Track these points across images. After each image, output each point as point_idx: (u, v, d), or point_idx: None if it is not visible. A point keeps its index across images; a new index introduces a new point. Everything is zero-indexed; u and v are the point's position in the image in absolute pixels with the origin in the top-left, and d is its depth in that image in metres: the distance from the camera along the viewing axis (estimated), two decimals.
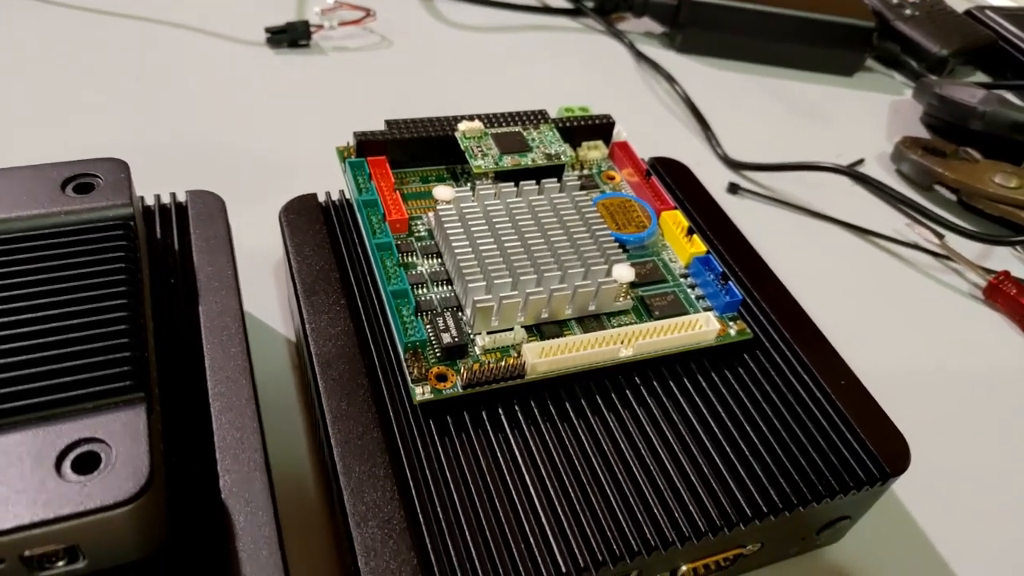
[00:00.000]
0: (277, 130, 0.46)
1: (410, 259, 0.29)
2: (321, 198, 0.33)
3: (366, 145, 0.32)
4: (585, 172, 0.36)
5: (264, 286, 0.37)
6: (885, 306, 0.43)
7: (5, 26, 0.51)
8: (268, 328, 0.35)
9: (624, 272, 0.28)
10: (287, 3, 0.57)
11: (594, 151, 0.36)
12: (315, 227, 0.31)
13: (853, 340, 0.33)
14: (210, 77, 0.49)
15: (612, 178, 0.36)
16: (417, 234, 0.31)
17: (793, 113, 0.57)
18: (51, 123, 0.44)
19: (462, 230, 0.29)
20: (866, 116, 0.58)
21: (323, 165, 0.37)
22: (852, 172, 0.49)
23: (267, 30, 0.53)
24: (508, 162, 0.32)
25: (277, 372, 0.34)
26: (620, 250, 0.30)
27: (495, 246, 0.28)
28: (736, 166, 0.50)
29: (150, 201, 0.30)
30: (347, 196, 0.33)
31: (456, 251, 0.28)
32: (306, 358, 0.27)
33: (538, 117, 0.35)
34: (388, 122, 0.33)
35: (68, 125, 0.44)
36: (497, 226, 0.29)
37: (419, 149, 0.33)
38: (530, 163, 0.32)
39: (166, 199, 0.31)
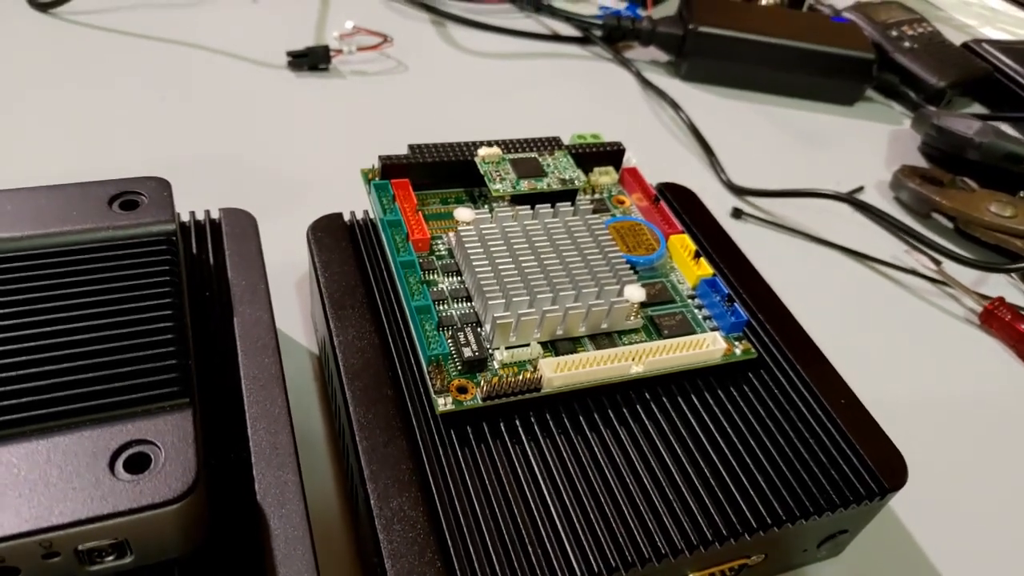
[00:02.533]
0: (298, 150, 0.48)
1: (432, 277, 0.31)
2: (346, 217, 0.35)
3: (390, 168, 0.34)
4: (597, 196, 0.37)
5: (287, 300, 0.39)
6: (883, 330, 0.44)
7: (38, 47, 0.53)
8: (291, 340, 0.37)
9: (635, 292, 0.30)
10: (307, 28, 0.60)
11: (605, 176, 0.38)
12: (341, 245, 0.33)
13: (852, 362, 0.35)
14: (234, 98, 0.51)
15: (622, 202, 0.38)
16: (438, 253, 0.32)
17: (795, 140, 0.59)
18: (83, 141, 0.46)
19: (482, 250, 0.30)
20: (866, 144, 0.60)
21: (343, 184, 0.39)
22: (852, 199, 0.51)
23: (289, 54, 0.55)
24: (525, 186, 0.34)
25: (300, 383, 0.35)
26: (631, 271, 0.31)
27: (513, 266, 0.30)
28: (739, 191, 0.51)
29: (185, 218, 0.32)
30: (371, 216, 0.35)
31: (476, 269, 0.29)
32: (332, 369, 0.29)
33: (552, 144, 0.37)
34: (411, 146, 0.35)
35: (99, 143, 0.46)
36: (515, 247, 0.31)
37: (440, 173, 0.35)
38: (546, 187, 0.34)
39: (200, 216, 0.32)
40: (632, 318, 0.30)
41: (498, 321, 0.28)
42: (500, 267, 0.30)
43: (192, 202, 0.42)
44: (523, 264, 0.30)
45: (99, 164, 0.44)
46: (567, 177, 0.35)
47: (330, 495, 0.31)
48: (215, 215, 0.32)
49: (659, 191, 0.39)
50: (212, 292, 0.29)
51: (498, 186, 0.33)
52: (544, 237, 0.31)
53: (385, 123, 0.52)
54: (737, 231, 0.49)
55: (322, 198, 0.39)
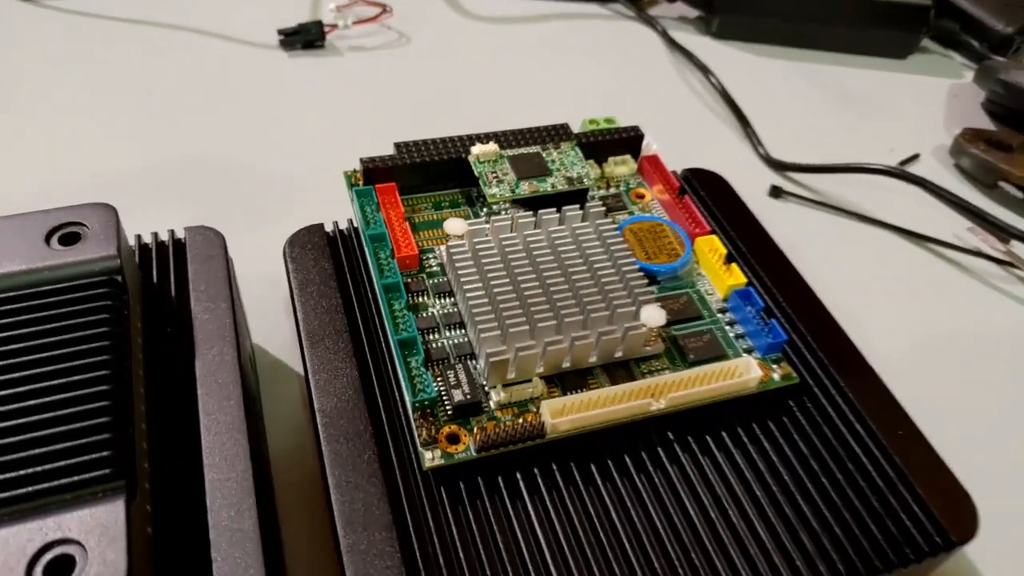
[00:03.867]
0: (292, 143, 0.44)
1: (421, 299, 0.27)
2: (329, 227, 0.31)
3: (374, 172, 0.30)
4: (612, 191, 0.33)
5: (277, 318, 0.35)
6: (945, 321, 0.39)
7: (3, 32, 0.50)
8: (279, 363, 0.34)
9: (654, 315, 0.26)
10: (301, 3, 0.55)
11: (621, 167, 0.33)
12: (321, 263, 0.29)
13: (909, 364, 0.30)
14: (222, 86, 0.48)
15: (642, 196, 0.33)
16: (429, 269, 0.28)
17: (841, 103, 0.53)
18: (59, 138, 0.43)
19: (474, 269, 0.26)
20: (921, 104, 0.54)
21: (340, 178, 0.35)
22: (906, 173, 0.45)
23: (280, 32, 0.50)
24: (526, 188, 0.29)
25: (291, 413, 0.32)
26: (649, 287, 0.27)
27: (511, 288, 0.26)
28: (779, 167, 0.46)
29: (147, 238, 0.29)
30: (357, 224, 0.31)
31: (468, 295, 0.26)
32: (309, 409, 0.26)
33: (559, 133, 0.32)
34: (398, 145, 0.31)
35: (75, 139, 0.43)
36: (513, 264, 0.27)
37: (431, 173, 0.31)
38: (549, 189, 0.30)
39: (164, 235, 0.29)
40: (651, 345, 0.26)
41: (492, 359, 0.24)
42: (496, 290, 0.26)
43: (172, 210, 0.39)
44: (522, 286, 0.26)
45: (71, 169, 0.41)
46: (575, 175, 0.30)
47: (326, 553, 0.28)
48: (182, 234, 0.29)
49: (684, 180, 0.35)
50: (174, 328, 0.26)
51: (495, 190, 0.29)
52: (547, 250, 0.27)
53: (385, 105, 0.48)
54: (776, 213, 0.44)
55: (317, 198, 0.35)
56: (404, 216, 0.29)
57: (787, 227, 0.41)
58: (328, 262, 0.29)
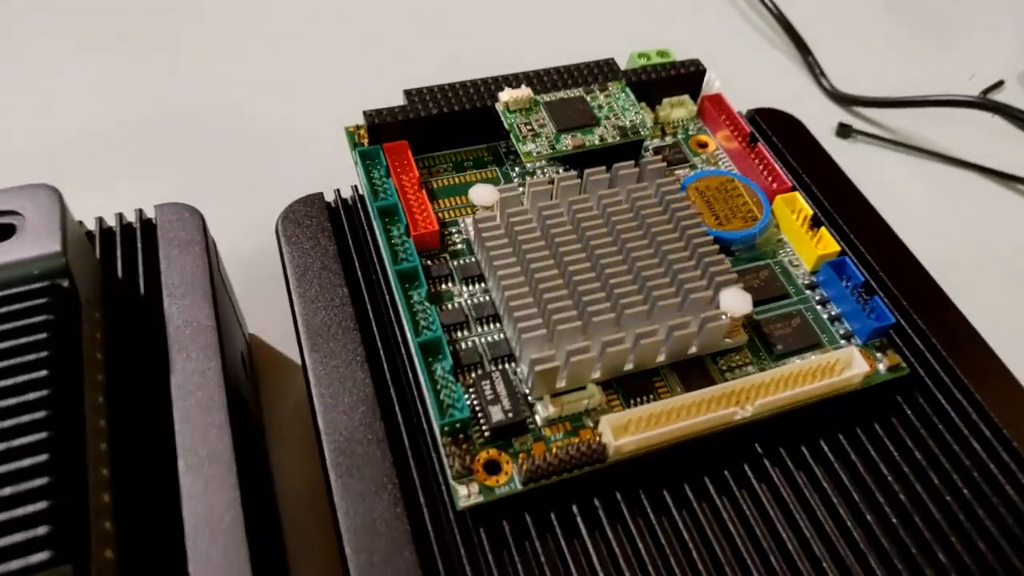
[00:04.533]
0: (288, 89, 0.39)
1: (445, 286, 0.22)
2: (331, 196, 0.26)
3: (381, 128, 0.25)
4: (668, 140, 0.27)
5: (275, 298, 0.30)
6: None
7: None
8: (281, 358, 0.29)
9: (737, 301, 0.21)
10: None
11: (679, 109, 0.28)
12: (321, 243, 0.24)
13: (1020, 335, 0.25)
14: (201, 27, 0.42)
15: (704, 145, 0.27)
16: (453, 247, 0.23)
17: (913, 24, 0.46)
18: (3, 94, 0.37)
19: (509, 249, 0.21)
20: (1004, 22, 0.47)
21: (343, 133, 0.30)
22: (991, 104, 0.39)
23: None
24: (568, 143, 0.24)
25: (292, 409, 0.28)
26: (728, 266, 0.22)
27: (555, 271, 0.21)
28: (845, 101, 0.40)
29: (111, 221, 0.24)
30: (363, 192, 0.26)
31: (503, 282, 0.21)
32: (314, 431, 0.21)
33: (604, 71, 0.26)
34: (408, 93, 0.25)
35: (25, 96, 0.37)
36: (557, 240, 0.21)
37: (450, 127, 0.25)
38: (597, 142, 0.24)
39: (131, 215, 0.24)
40: (732, 336, 0.21)
41: (537, 367, 0.19)
42: (537, 275, 0.21)
43: (146, 179, 0.34)
44: (570, 268, 0.21)
45: (19, 135, 0.36)
46: (627, 123, 0.25)
47: None
48: (152, 213, 0.24)
49: (751, 122, 0.29)
50: (146, 332, 0.21)
51: (530, 147, 0.24)
52: (599, 220, 0.22)
53: (394, 41, 0.41)
54: (845, 154, 0.38)
55: (318, 157, 0.30)
56: (420, 182, 0.24)
57: (858, 171, 0.35)
58: (330, 241, 0.24)
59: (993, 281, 0.33)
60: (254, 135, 0.36)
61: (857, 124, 0.39)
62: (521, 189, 0.23)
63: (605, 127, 0.24)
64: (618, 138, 0.24)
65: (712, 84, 0.28)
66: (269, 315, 0.29)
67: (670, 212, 0.23)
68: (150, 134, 0.36)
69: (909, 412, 0.22)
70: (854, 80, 0.41)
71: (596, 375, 0.20)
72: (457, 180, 0.25)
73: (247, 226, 0.31)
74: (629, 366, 0.20)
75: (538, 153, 0.23)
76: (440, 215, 0.24)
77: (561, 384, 0.20)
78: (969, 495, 0.20)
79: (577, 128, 0.24)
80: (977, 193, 0.37)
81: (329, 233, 0.24)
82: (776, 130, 0.28)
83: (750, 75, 0.41)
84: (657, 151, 0.26)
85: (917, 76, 0.42)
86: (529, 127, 0.24)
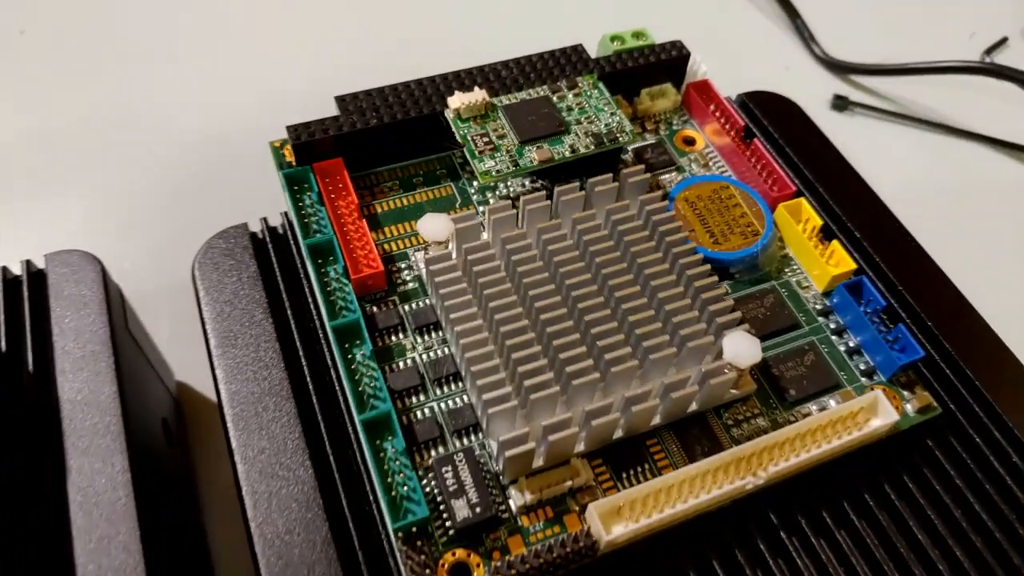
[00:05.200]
0: (212, 94, 0.34)
1: (394, 339, 0.19)
2: (257, 225, 0.22)
3: (309, 146, 0.21)
4: (649, 138, 0.24)
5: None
6: None
7: None
8: (211, 404, 0.25)
9: (744, 349, 0.17)
10: None
11: (660, 100, 0.24)
12: (247, 290, 0.20)
13: None
14: (115, 22, 0.37)
15: (691, 142, 0.24)
16: (403, 288, 0.20)
17: None
18: None
19: (469, 296, 0.18)
20: None
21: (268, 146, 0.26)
22: (996, 68, 0.35)
23: None
24: (534, 157, 0.20)
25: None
26: (729, 303, 0.18)
27: (526, 321, 0.17)
28: (840, 69, 0.36)
29: None
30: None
31: (463, 340, 0.17)
32: (245, 529, 0.17)
33: (572, 60, 0.22)
34: (341, 100, 0.21)
35: None
36: (525, 282, 0.18)
37: (393, 138, 0.21)
38: (568, 154, 0.20)
39: (16, 267, 0.20)
40: (740, 387, 0.18)
41: (508, 453, 0.16)
42: (503, 329, 0.17)
43: (45, 209, 0.29)
44: (543, 318, 0.17)
45: None
46: (602, 127, 0.21)
47: None
48: (42, 263, 0.20)
49: (741, 108, 0.25)
50: (37, 415, 0.17)
51: (488, 164, 0.20)
52: (574, 253, 0.18)
53: (322, 35, 0.37)
54: (843, 129, 0.34)
55: (258, 165, 0.26)
56: (360, 207, 0.20)
57: (859, 149, 0.32)
58: (256, 286, 0.20)
59: (1002, 266, 0.30)
60: (176, 147, 0.31)
61: (853, 95, 0.35)
62: (480, 218, 0.20)
63: (576, 134, 0.20)
64: (592, 147, 0.20)
65: (698, 69, 0.24)
66: (204, 354, 0.26)
67: (657, 236, 0.19)
68: (47, 152, 0.31)
69: (942, 458, 0.19)
70: (847, 44, 0.37)
71: (580, 447, 0.17)
72: (405, 202, 0.21)
73: (171, 252, 0.27)
74: (619, 433, 0.17)
75: (498, 172, 0.20)
76: (386, 247, 0.20)
77: (539, 463, 0.16)
78: (1015, 555, 0.17)
79: (543, 137, 0.20)
80: (979, 164, 0.34)
81: (255, 275, 0.20)
82: (772, 118, 0.25)
83: (734, 45, 0.37)
84: (638, 155, 0.23)
85: (915, 36, 0.38)
86: (486, 139, 0.20)
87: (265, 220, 0.22)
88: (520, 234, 0.19)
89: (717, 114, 0.24)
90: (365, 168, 0.22)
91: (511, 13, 0.37)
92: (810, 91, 0.35)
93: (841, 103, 0.35)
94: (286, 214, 0.22)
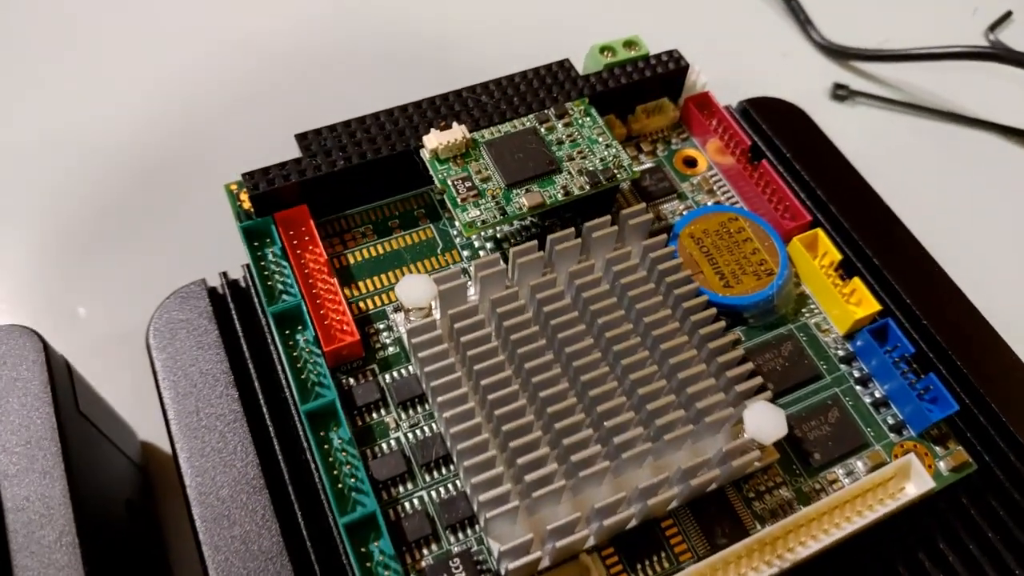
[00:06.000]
0: (177, 118, 0.31)
1: (375, 416, 0.17)
2: (216, 279, 0.19)
3: (270, 196, 0.18)
4: (645, 161, 0.21)
5: None
6: None
7: None
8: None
9: (768, 423, 0.15)
10: None
11: (656, 117, 0.22)
12: (207, 358, 0.18)
13: None
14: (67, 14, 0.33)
15: (692, 163, 0.22)
16: (382, 354, 0.17)
17: None
18: None
19: (458, 374, 0.16)
20: None
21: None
22: (1006, 53, 0.33)
23: None
24: (523, 202, 0.18)
25: None
26: (749, 366, 0.16)
27: (523, 401, 0.15)
28: (840, 55, 0.34)
29: None
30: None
31: (452, 428, 0.15)
32: None
33: (560, 80, 0.20)
34: (301, 138, 0.19)
35: None
36: (520, 352, 0.16)
37: (363, 178, 0.19)
38: (561, 196, 0.18)
39: None
40: (762, 459, 0.16)
41: (510, 566, 0.14)
42: (499, 412, 0.15)
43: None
44: (542, 395, 0.15)
45: None
46: (597, 163, 0.19)
47: None
48: None
49: (743, 116, 0.23)
50: None
51: (472, 214, 0.18)
52: (572, 314, 0.16)
53: (274, 56, 0.34)
54: (842, 119, 0.32)
55: (207, 205, 0.24)
56: (329, 262, 0.18)
57: (861, 141, 0.30)
58: (220, 356, 0.18)
59: (993, 238, 0.28)
60: (113, 169, 0.28)
61: (854, 82, 0.33)
62: (466, 278, 0.18)
63: (569, 172, 0.18)
64: (587, 188, 0.18)
65: (697, 81, 0.22)
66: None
67: (664, 288, 0.17)
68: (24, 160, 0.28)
69: (978, 519, 0.17)
70: (846, 27, 0.35)
71: (592, 541, 0.15)
72: (380, 249, 0.19)
73: (127, 289, 0.25)
74: (632, 523, 0.15)
75: (484, 223, 0.17)
76: (361, 306, 0.18)
77: (545, 563, 0.15)
78: None
79: (533, 178, 0.18)
80: (990, 155, 0.32)
81: (216, 342, 0.18)
82: (779, 130, 0.22)
83: (725, 30, 0.35)
84: (635, 182, 0.21)
85: (916, 12, 0.36)
86: (468, 184, 0.18)
87: (224, 275, 0.19)
88: (512, 294, 0.17)
89: (720, 130, 0.21)
90: (333, 212, 0.20)
91: (486, 22, 0.33)
92: (808, 80, 0.33)
93: (840, 92, 0.33)
94: (248, 266, 0.20)
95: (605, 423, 0.15)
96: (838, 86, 0.33)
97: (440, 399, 0.15)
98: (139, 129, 0.29)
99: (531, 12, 0.33)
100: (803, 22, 0.35)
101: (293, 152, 0.19)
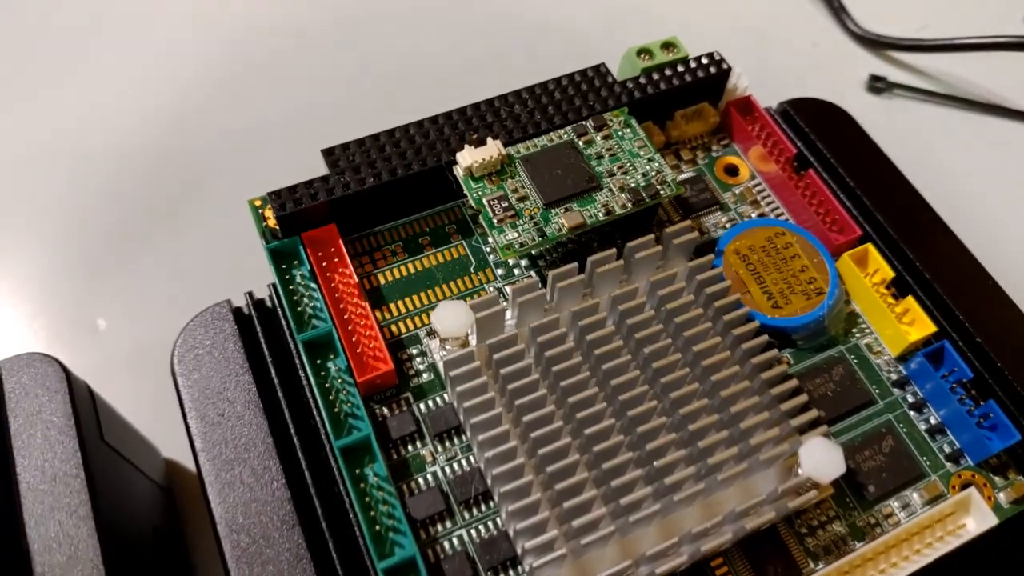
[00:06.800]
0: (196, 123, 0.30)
1: (411, 449, 0.16)
2: (241, 299, 0.19)
3: (298, 216, 0.17)
4: (686, 171, 0.20)
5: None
6: None
7: None
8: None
9: (826, 461, 0.15)
10: None
11: (695, 123, 0.21)
12: (234, 384, 0.17)
13: None
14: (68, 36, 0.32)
15: (734, 171, 0.21)
16: (416, 382, 0.17)
17: None
18: None
19: (498, 410, 0.15)
20: None
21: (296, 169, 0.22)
22: None
23: None
24: (563, 223, 0.17)
25: None
26: (804, 398, 0.15)
27: (568, 439, 0.15)
28: (876, 45, 0.33)
29: None
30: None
31: (494, 468, 0.14)
32: None
33: (596, 87, 0.19)
34: (328, 153, 0.18)
35: None
36: (563, 385, 0.15)
37: (392, 195, 0.18)
38: (602, 216, 0.17)
39: None
40: (816, 496, 0.15)
41: None
42: (543, 452, 0.14)
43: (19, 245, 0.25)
44: (587, 432, 0.15)
45: None
46: (639, 179, 0.18)
47: None
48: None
49: (782, 118, 0.22)
50: None
51: (510, 235, 0.17)
52: (617, 342, 0.16)
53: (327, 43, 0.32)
54: (879, 114, 0.31)
55: (228, 217, 0.23)
56: (359, 284, 0.17)
57: (903, 139, 0.29)
58: (247, 382, 0.17)
59: None
60: (161, 185, 0.28)
61: (892, 74, 0.32)
62: (503, 303, 0.17)
63: (611, 189, 0.17)
64: (630, 206, 0.17)
65: (738, 85, 0.21)
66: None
67: (713, 313, 0.16)
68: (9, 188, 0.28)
69: None
70: (882, 14, 0.33)
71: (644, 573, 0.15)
72: (412, 268, 0.18)
73: (154, 308, 0.24)
74: (683, 567, 0.15)
75: (522, 245, 0.16)
76: (393, 329, 0.18)
77: None
78: None
79: (572, 197, 0.17)
80: None
81: (243, 368, 0.17)
82: (822, 133, 0.21)
83: (752, 18, 0.33)
84: (676, 196, 0.20)
85: (955, 1, 0.35)
86: (505, 203, 0.17)
87: (250, 295, 0.19)
88: (552, 321, 0.16)
89: (763, 137, 0.20)
90: (362, 229, 0.19)
91: (514, 24, 0.32)
92: (842, 71, 0.32)
93: (877, 85, 0.31)
94: (274, 286, 0.19)
95: (655, 463, 0.14)
96: (875, 78, 0.32)
97: (480, 438, 0.15)
98: (160, 138, 0.28)
99: (559, 9, 0.32)
100: (837, 9, 0.33)
101: (319, 164, 0.18)
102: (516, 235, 0.17)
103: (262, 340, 0.18)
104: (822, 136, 0.21)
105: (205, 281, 0.24)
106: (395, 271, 0.18)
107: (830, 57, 0.33)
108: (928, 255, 0.19)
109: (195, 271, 0.25)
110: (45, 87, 0.29)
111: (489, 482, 0.15)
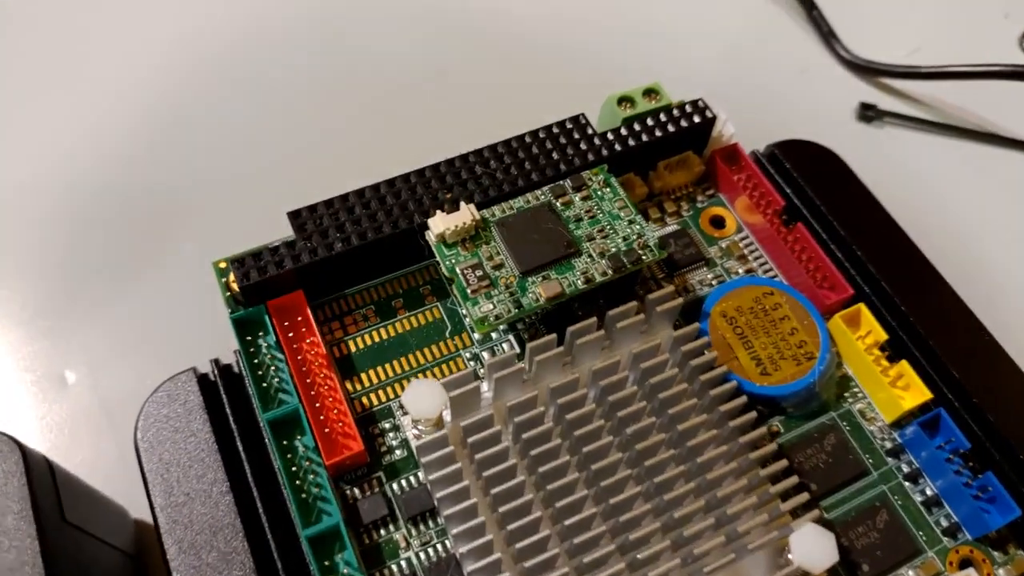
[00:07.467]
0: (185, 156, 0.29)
1: (383, 533, 0.15)
2: (207, 366, 0.18)
3: (262, 286, 0.17)
4: (670, 224, 0.20)
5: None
6: None
7: None
8: None
9: (817, 550, 0.14)
10: None
11: (679, 172, 0.20)
12: (200, 461, 0.17)
13: None
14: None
15: (720, 223, 0.20)
16: (389, 459, 0.16)
17: None
18: None
19: (474, 500, 0.14)
20: None
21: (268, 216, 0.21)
22: None
23: None
24: (540, 293, 0.16)
25: None
26: (794, 479, 0.15)
27: (547, 531, 0.14)
28: (867, 71, 0.32)
29: None
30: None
31: (469, 561, 0.14)
32: None
33: (576, 139, 0.18)
34: (294, 216, 0.17)
35: None
36: (542, 470, 0.14)
37: (362, 259, 0.17)
38: (582, 284, 0.16)
39: None
40: None
41: None
42: (521, 547, 0.14)
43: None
44: (567, 524, 0.14)
45: None
46: (620, 243, 0.17)
47: None
48: None
49: (769, 161, 0.21)
50: None
51: (485, 308, 0.16)
52: (599, 421, 0.15)
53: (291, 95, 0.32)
54: (869, 144, 0.30)
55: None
56: (328, 354, 0.16)
57: (895, 172, 0.28)
58: (214, 458, 0.16)
59: None
60: (123, 233, 0.27)
61: (883, 100, 0.31)
62: (479, 381, 0.16)
63: (590, 255, 0.17)
64: (610, 273, 0.16)
65: (724, 133, 0.20)
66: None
67: (698, 385, 0.16)
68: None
69: None
70: (873, 40, 0.32)
71: None
72: (384, 334, 0.18)
73: (128, 364, 0.24)
74: None
75: (498, 317, 0.16)
76: (364, 402, 0.17)
77: None
78: None
79: (550, 264, 0.16)
80: None
81: (210, 444, 0.17)
82: (811, 180, 0.21)
83: (738, 41, 0.33)
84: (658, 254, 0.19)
85: (942, 16, 0.34)
86: (479, 272, 0.16)
87: (216, 362, 0.18)
88: (530, 399, 0.15)
89: (750, 187, 0.20)
90: (331, 293, 0.18)
91: (488, 69, 0.31)
92: (832, 99, 0.31)
93: (867, 113, 0.31)
94: (239, 355, 0.18)
95: (638, 555, 0.14)
96: (865, 106, 0.31)
97: (455, 531, 0.14)
98: (126, 190, 0.27)
99: (536, 51, 0.31)
100: (826, 34, 0.33)
101: (284, 223, 0.18)
102: (491, 307, 0.16)
103: (228, 412, 0.17)
104: (811, 182, 0.20)
105: (172, 325, 0.23)
106: (367, 337, 0.18)
107: (820, 84, 0.32)
108: (922, 312, 0.18)
109: (161, 319, 0.24)
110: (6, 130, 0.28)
111: (466, 572, 0.14)
